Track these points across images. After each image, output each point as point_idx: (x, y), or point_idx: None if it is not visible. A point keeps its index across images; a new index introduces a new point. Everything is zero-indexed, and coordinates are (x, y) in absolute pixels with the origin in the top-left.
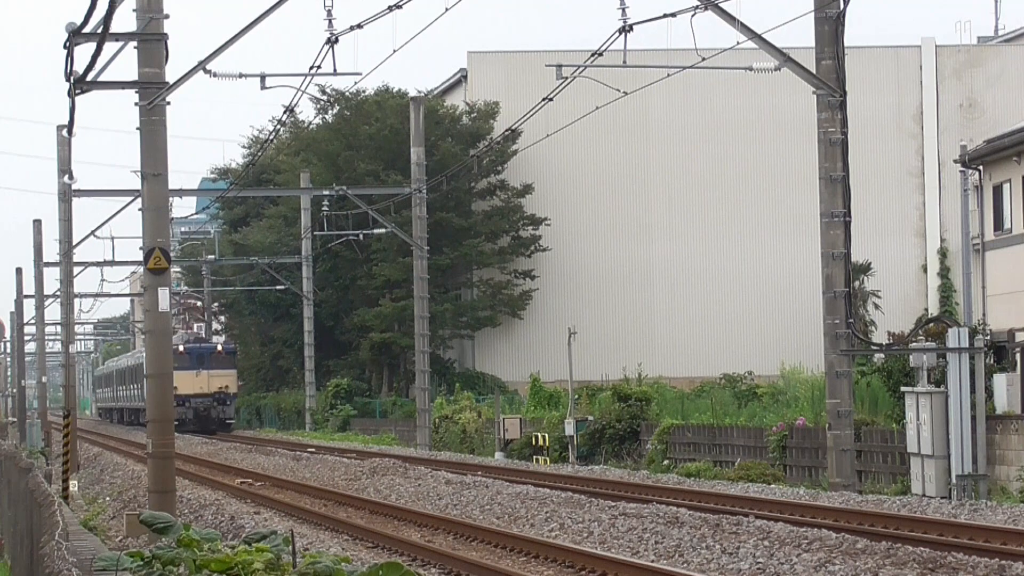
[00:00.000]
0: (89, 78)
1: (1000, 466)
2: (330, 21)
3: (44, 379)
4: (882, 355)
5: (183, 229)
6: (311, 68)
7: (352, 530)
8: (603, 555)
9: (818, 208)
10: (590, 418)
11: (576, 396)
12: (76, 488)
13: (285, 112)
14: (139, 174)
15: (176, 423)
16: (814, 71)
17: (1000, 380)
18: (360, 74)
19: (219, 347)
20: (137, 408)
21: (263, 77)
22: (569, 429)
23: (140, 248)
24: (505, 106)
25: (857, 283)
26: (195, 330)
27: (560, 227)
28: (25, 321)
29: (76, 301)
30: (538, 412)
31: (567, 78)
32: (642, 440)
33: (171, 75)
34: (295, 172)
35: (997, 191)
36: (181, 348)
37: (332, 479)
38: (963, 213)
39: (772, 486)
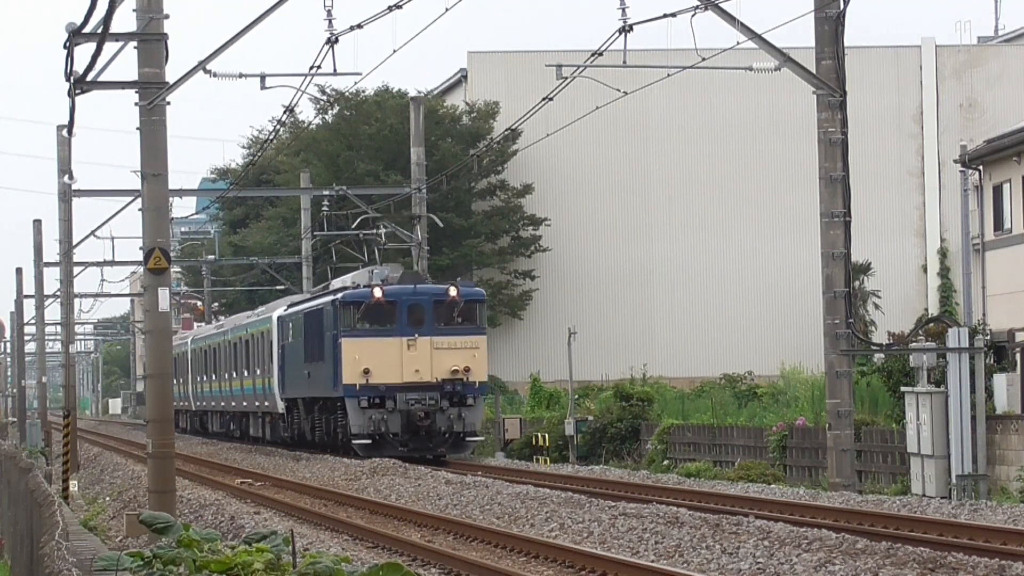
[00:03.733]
0: (89, 78)
1: (1000, 466)
2: (330, 21)
3: (44, 379)
4: (882, 355)
5: (183, 229)
6: (311, 68)
7: (352, 530)
8: (603, 555)
9: (818, 208)
10: (590, 418)
11: (576, 396)
12: (76, 488)
13: (285, 112)
14: (139, 174)
15: (368, 440)
16: (814, 71)
17: (1000, 380)
18: (360, 74)
19: (452, 290)
20: (242, 411)
21: (263, 77)
22: (569, 429)
23: (140, 248)
24: (505, 106)
25: (857, 283)
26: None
27: (560, 227)
28: (25, 321)
29: (76, 301)
30: (538, 412)
31: (567, 78)
32: (642, 440)
33: (171, 75)
34: (295, 172)
35: (997, 191)
36: (378, 294)
37: (332, 479)
38: (963, 213)
39: (772, 486)
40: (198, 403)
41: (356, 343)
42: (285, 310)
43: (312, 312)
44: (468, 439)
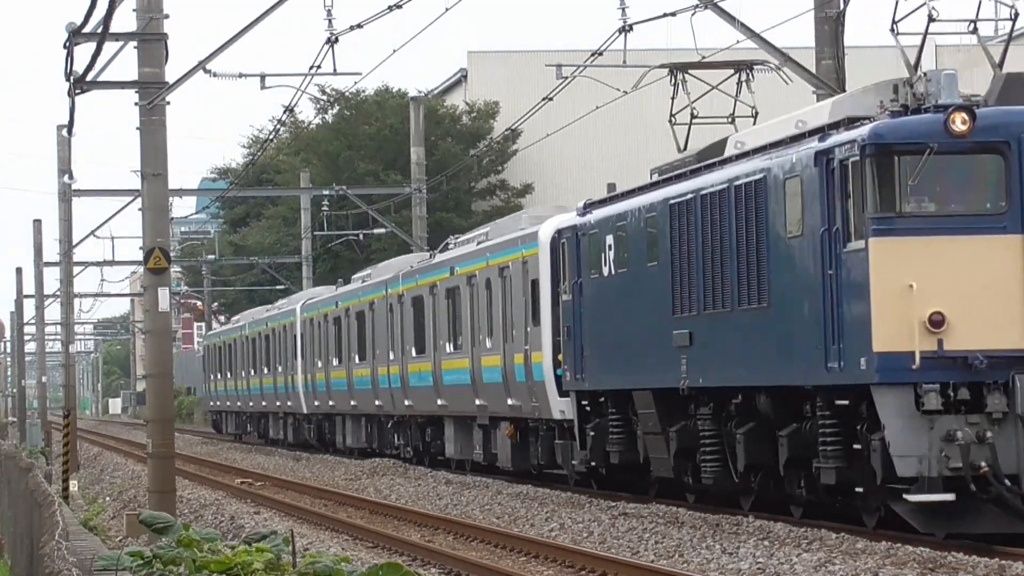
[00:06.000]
0: (89, 78)
1: None
2: (330, 21)
3: (44, 379)
4: None
5: (183, 229)
6: (311, 68)
7: (352, 530)
8: (603, 555)
9: None
10: None
11: None
12: (76, 488)
13: (285, 112)
14: (139, 174)
15: (941, 492)
16: (814, 71)
17: None
18: (360, 74)
19: None
20: (428, 416)
21: (263, 77)
22: None
23: (140, 248)
24: (505, 106)
25: None
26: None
27: None
28: (25, 321)
29: (76, 301)
30: None
31: (567, 78)
32: None
33: (171, 75)
34: (295, 172)
35: None
36: (961, 125)
37: (332, 479)
38: None
39: None
40: (317, 403)
41: (907, 248)
42: (583, 211)
43: (738, 187)
44: None
